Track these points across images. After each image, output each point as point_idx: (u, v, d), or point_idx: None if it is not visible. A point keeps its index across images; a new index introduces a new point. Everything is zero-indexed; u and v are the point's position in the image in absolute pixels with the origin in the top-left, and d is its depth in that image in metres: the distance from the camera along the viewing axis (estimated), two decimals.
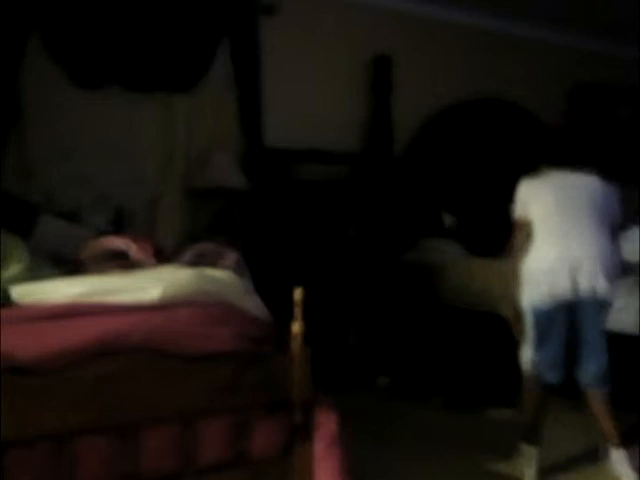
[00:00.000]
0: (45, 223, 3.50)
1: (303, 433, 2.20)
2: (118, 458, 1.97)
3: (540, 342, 3.00)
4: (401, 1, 5.19)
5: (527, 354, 3.11)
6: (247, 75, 4.54)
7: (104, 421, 1.96)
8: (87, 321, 2.12)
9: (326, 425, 2.22)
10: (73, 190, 4.04)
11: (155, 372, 2.04)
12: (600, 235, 2.97)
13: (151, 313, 2.22)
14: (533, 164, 3.30)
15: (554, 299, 2.92)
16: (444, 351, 4.30)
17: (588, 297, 2.92)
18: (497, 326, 3.88)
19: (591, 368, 2.98)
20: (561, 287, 2.90)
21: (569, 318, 2.96)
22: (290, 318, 2.27)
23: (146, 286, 2.33)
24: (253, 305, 2.57)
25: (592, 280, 2.89)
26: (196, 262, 2.93)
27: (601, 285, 2.90)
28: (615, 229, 3.08)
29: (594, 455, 3.18)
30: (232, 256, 3.08)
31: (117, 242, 2.95)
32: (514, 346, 3.21)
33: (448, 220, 5.12)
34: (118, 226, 3.95)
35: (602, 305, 2.96)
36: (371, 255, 4.65)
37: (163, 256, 3.02)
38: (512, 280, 3.07)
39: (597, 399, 3.00)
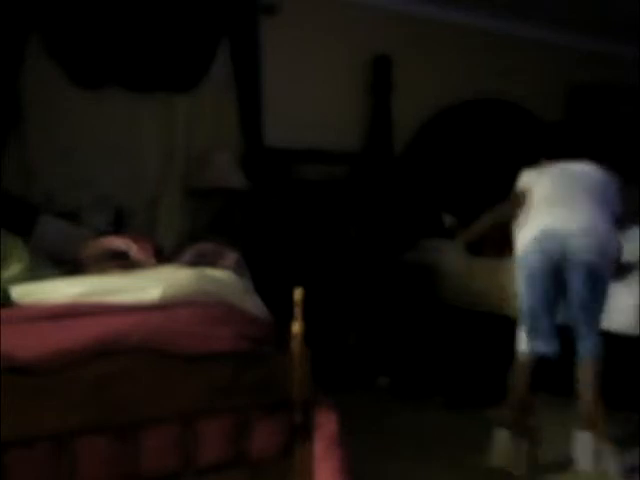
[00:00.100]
0: (45, 223, 3.50)
1: (303, 433, 2.20)
2: (118, 458, 1.97)
3: (527, 295, 2.98)
4: (401, 1, 5.19)
5: (522, 334, 3.10)
6: (247, 75, 4.53)
7: (104, 421, 1.97)
8: (87, 321, 2.13)
9: (326, 425, 2.22)
10: (73, 190, 4.04)
11: (155, 372, 2.04)
12: (599, 216, 2.95)
13: (151, 313, 2.22)
14: (533, 161, 3.31)
15: (544, 254, 2.89)
16: (444, 351, 4.30)
17: (578, 260, 2.86)
18: (497, 326, 3.89)
19: (584, 343, 2.96)
20: (551, 246, 2.89)
21: (558, 280, 2.91)
22: (290, 318, 2.27)
23: (146, 286, 2.34)
24: (253, 305, 2.58)
25: (584, 246, 2.86)
26: (196, 262, 2.93)
27: (593, 251, 2.85)
28: (615, 220, 3.07)
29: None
30: (232, 256, 3.08)
31: (117, 242, 2.96)
32: (514, 346, 3.21)
33: (448, 220, 5.12)
34: (118, 226, 3.94)
35: (594, 276, 2.89)
36: (371, 255, 4.65)
37: (163, 256, 3.03)
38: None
39: (588, 369, 2.96)
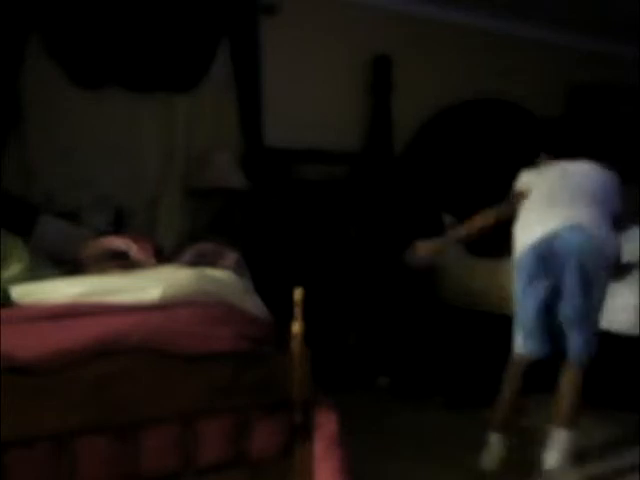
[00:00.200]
0: (45, 223, 3.50)
1: (303, 433, 2.20)
2: (118, 458, 1.97)
3: (522, 299, 2.96)
4: (401, 1, 5.18)
5: (516, 335, 3.09)
6: (247, 75, 4.53)
7: (104, 421, 1.97)
8: (87, 321, 2.13)
9: (326, 425, 2.22)
10: (73, 190, 4.04)
11: (155, 372, 2.04)
12: (597, 217, 2.91)
13: (151, 313, 2.22)
14: (533, 161, 3.30)
15: (540, 260, 2.87)
16: (444, 351, 4.30)
17: (574, 264, 2.81)
18: (497, 326, 3.89)
19: (572, 346, 2.91)
20: (547, 251, 2.85)
21: (554, 283, 2.89)
22: (290, 318, 2.27)
23: (146, 286, 2.34)
24: (253, 305, 2.58)
25: (581, 249, 2.82)
26: (196, 262, 2.93)
27: (590, 254, 2.81)
28: (615, 219, 3.05)
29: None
30: (232, 256, 3.09)
31: (117, 242, 2.96)
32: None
33: (448, 220, 5.12)
34: (118, 226, 3.94)
35: (589, 279, 2.84)
36: (371, 255, 4.65)
37: (163, 256, 3.03)
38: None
39: (570, 376, 2.93)
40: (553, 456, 2.88)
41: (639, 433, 3.46)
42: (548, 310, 2.92)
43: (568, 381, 2.93)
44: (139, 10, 4.14)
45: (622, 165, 3.33)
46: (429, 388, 4.24)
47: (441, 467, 3.09)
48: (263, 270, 3.51)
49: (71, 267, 2.85)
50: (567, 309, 2.90)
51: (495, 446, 2.99)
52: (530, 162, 3.34)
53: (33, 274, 2.59)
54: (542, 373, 3.08)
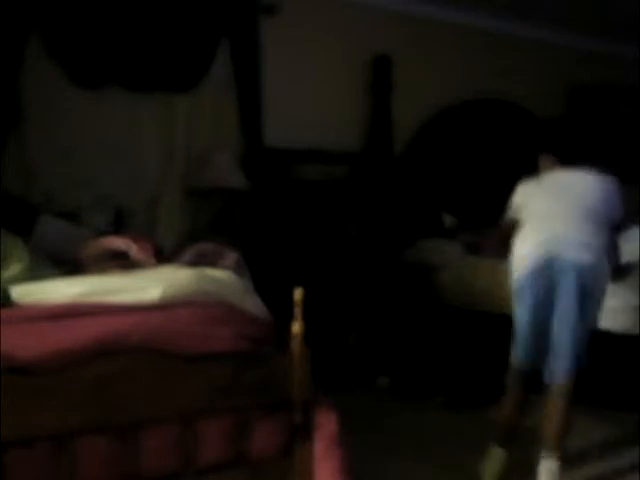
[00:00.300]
0: (45, 223, 3.50)
1: (303, 433, 2.20)
2: (118, 458, 1.97)
3: (520, 318, 2.95)
4: (401, 1, 5.19)
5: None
6: (247, 75, 4.54)
7: (104, 421, 1.97)
8: (87, 321, 2.13)
9: (326, 425, 2.22)
10: (73, 190, 4.04)
11: (155, 372, 2.04)
12: (593, 234, 2.88)
13: (151, 313, 2.22)
14: (533, 161, 3.29)
15: (537, 286, 2.87)
16: (444, 351, 4.30)
17: (569, 285, 2.80)
18: (497, 326, 3.89)
19: (555, 366, 2.86)
20: (544, 274, 2.85)
21: (551, 303, 2.88)
22: (290, 318, 2.27)
23: (146, 286, 2.34)
24: (253, 305, 2.58)
25: (576, 270, 2.79)
26: (196, 262, 2.93)
27: (584, 276, 2.79)
28: (615, 229, 3.04)
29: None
30: (232, 256, 3.08)
31: (117, 242, 2.96)
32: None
33: (448, 220, 5.12)
34: (118, 226, 3.95)
35: (584, 298, 2.80)
36: (371, 255, 4.65)
37: (163, 256, 3.02)
38: None
39: (554, 402, 2.87)
40: None
41: (638, 433, 3.46)
42: (542, 328, 2.92)
43: (553, 406, 2.88)
44: (139, 10, 4.14)
45: (622, 165, 3.32)
46: (429, 388, 4.24)
47: (441, 467, 3.10)
48: (263, 270, 3.51)
49: (71, 267, 2.85)
50: (558, 325, 2.89)
51: (496, 459, 2.98)
52: (530, 162, 3.33)
53: (33, 274, 2.59)
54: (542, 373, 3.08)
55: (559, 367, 2.86)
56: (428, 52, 5.37)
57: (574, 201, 2.95)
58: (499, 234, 3.22)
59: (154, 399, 2.03)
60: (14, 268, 2.59)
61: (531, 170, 3.25)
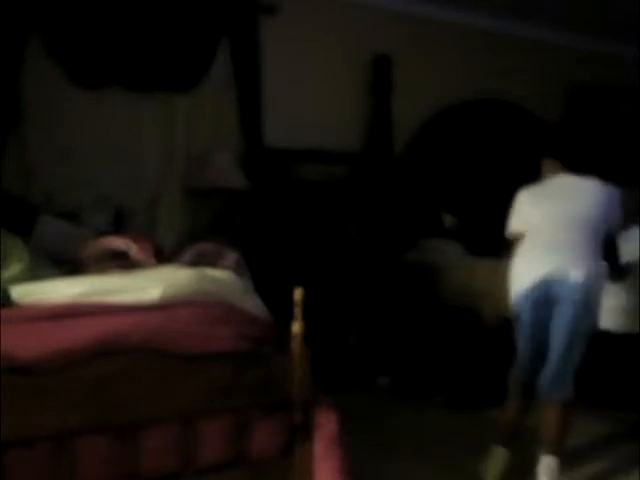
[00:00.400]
0: (45, 223, 3.50)
1: (303, 433, 2.20)
2: (118, 458, 1.97)
3: (519, 340, 2.98)
4: (401, 1, 5.19)
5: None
6: (247, 75, 4.54)
7: (104, 421, 1.97)
8: (87, 321, 2.13)
9: (326, 425, 2.22)
10: (73, 190, 4.04)
11: (155, 372, 2.04)
12: (590, 253, 2.89)
13: (151, 313, 2.22)
14: (533, 161, 3.29)
15: (534, 309, 2.90)
16: (444, 351, 4.30)
17: (565, 305, 2.83)
18: (497, 326, 3.89)
19: (548, 374, 2.89)
20: (540, 299, 2.88)
21: (543, 312, 2.90)
22: (290, 318, 2.27)
23: (146, 286, 2.34)
24: (253, 305, 2.58)
25: (572, 291, 2.82)
26: (196, 262, 2.94)
27: (580, 297, 2.81)
28: (613, 234, 3.04)
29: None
30: (232, 256, 3.09)
31: (117, 242, 2.96)
32: (514, 346, 3.21)
33: (448, 220, 5.12)
34: (118, 226, 3.95)
35: (578, 308, 2.82)
36: (371, 255, 4.65)
37: (163, 256, 3.03)
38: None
39: (552, 407, 2.90)
40: None
41: (637, 432, 3.46)
42: (539, 346, 2.93)
43: (552, 413, 2.91)
44: (139, 10, 4.14)
45: (622, 166, 3.32)
46: (429, 388, 4.24)
47: (441, 467, 3.10)
48: (263, 270, 3.51)
49: (71, 267, 2.85)
50: (554, 343, 2.89)
51: (499, 458, 2.98)
52: (531, 164, 3.33)
53: (33, 274, 2.59)
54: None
55: (554, 390, 2.89)
56: (428, 52, 5.37)
57: (574, 211, 2.95)
58: (505, 252, 3.22)
59: (154, 399, 2.03)
60: (14, 268, 2.59)
61: (532, 172, 3.24)
